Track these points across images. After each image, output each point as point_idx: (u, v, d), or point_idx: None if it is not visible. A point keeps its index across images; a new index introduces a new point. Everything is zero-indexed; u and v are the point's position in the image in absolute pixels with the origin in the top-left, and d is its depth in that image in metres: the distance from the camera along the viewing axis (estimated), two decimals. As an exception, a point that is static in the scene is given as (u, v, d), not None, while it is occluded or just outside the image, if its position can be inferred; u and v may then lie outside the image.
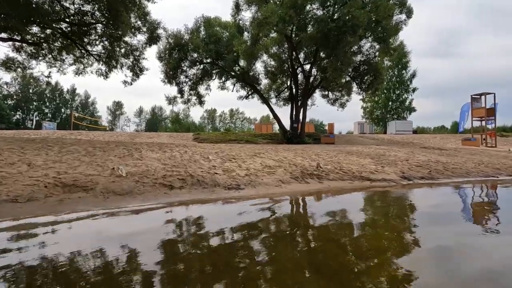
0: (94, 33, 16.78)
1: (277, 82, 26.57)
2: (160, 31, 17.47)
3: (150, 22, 16.60)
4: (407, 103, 54.59)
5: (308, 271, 2.20)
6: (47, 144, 7.43)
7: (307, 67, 23.22)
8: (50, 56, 17.94)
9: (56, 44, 17.37)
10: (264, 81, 26.33)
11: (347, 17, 17.12)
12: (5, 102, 63.79)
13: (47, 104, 73.89)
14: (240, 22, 22.15)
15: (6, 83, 65.74)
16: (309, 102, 25.44)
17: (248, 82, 24.45)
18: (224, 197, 5.04)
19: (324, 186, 6.24)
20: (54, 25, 15.07)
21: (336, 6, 18.96)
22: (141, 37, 17.36)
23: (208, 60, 23.55)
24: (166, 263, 2.28)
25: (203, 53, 22.66)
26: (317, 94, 26.47)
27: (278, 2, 18.56)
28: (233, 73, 23.97)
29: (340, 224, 3.58)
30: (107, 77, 17.97)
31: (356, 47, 21.01)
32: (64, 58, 18.14)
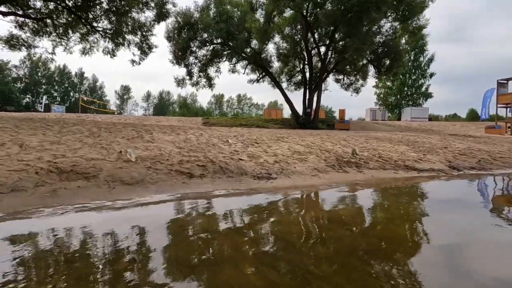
0: (100, 8, 15.69)
1: (289, 65, 25.23)
2: (169, 6, 16.23)
3: (158, -3, 15.36)
4: (423, 88, 52.31)
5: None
6: (46, 123, 6.57)
7: (322, 49, 21.77)
8: (54, 33, 16.99)
9: (60, 20, 16.40)
10: (276, 65, 25.05)
11: (371, -8, 15.55)
12: (15, 85, 63.70)
13: (56, 87, 73.70)
14: (253, -1, 20.73)
15: (15, 66, 65.48)
16: (322, 86, 24.12)
17: (260, 64, 23.17)
18: (255, 188, 4.11)
19: (367, 177, 5.25)
20: (56, -3, 14.02)
21: (359, -20, 17.34)
22: (149, 13, 16.17)
23: (219, 41, 22.23)
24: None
25: (213, 32, 21.32)
26: (330, 78, 25.07)
27: (295, -24, 17.03)
28: (244, 55, 22.69)
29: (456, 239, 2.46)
30: (114, 56, 17.00)
31: (375, 27, 19.40)
32: (69, 36, 17.20)
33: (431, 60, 51.36)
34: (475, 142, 11.56)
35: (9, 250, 1.90)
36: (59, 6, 15.17)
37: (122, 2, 15.23)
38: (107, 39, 16.35)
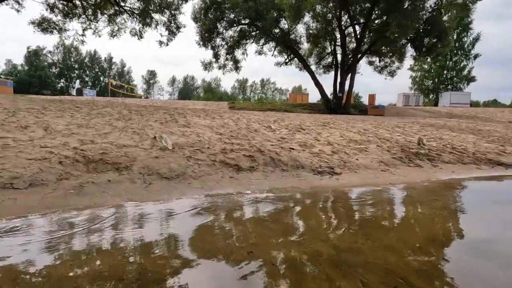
0: (127, -15, 15.14)
1: (319, 47, 23.61)
2: (197, -19, 15.27)
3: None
4: (465, 71, 47.78)
5: None
6: (75, 105, 6.10)
7: (357, 28, 19.91)
8: (84, 16, 16.80)
9: (90, 1, 16.13)
10: (305, 46, 23.57)
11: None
12: (50, 70, 66.59)
13: (87, 72, 76.29)
14: (284, -26, 19.16)
15: (50, 52, 68.26)
16: (356, 69, 22.33)
17: (289, 45, 21.80)
18: (320, 186, 3.28)
19: (450, 176, 4.22)
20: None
21: None
22: (177, -9, 15.37)
23: (246, 21, 21.06)
24: None
25: (241, 12, 20.14)
26: (362, 61, 23.15)
27: None
28: (272, 36, 21.40)
29: None
30: (141, 37, 16.52)
31: (419, 1, 17.23)
32: (98, 18, 16.98)
33: (476, 39, 46.39)
34: (550, 131, 9.88)
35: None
36: (88, -14, 14.80)
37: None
38: (135, 20, 15.84)
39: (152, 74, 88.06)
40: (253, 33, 23.36)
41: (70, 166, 2.91)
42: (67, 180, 2.69)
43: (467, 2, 17.82)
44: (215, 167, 3.46)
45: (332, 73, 22.41)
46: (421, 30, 20.08)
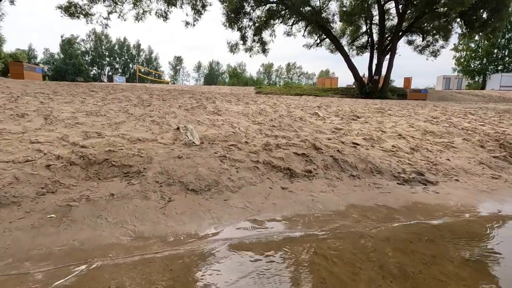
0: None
1: (353, 26, 21.52)
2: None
3: None
4: (520, 50, 42.25)
5: None
6: (91, 89, 5.36)
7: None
8: None
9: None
10: (337, 25, 21.65)
11: None
12: (83, 58, 69.05)
13: (117, 59, 78.33)
14: None
15: (83, 40, 70.61)
16: (396, 49, 20.03)
17: (321, 24, 19.95)
18: (417, 203, 2.18)
19: None
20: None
21: None
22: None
23: (275, -1, 19.51)
24: None
25: (269, -12, 18.65)
26: (400, 41, 20.74)
27: None
28: (302, 15, 19.67)
29: None
30: (166, 18, 15.78)
31: None
32: (123, 1, 16.48)
33: (537, 12, 40.60)
34: None
35: None
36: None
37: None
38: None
39: (178, 60, 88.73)
40: (282, 12, 21.82)
41: (61, 171, 2.06)
42: (53, 194, 1.85)
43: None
44: (259, 172, 2.47)
45: (366, 55, 20.35)
46: (475, 2, 17.41)
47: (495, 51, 45.65)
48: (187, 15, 15.04)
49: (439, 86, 40.97)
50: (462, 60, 47.86)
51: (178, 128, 3.22)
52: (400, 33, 18.33)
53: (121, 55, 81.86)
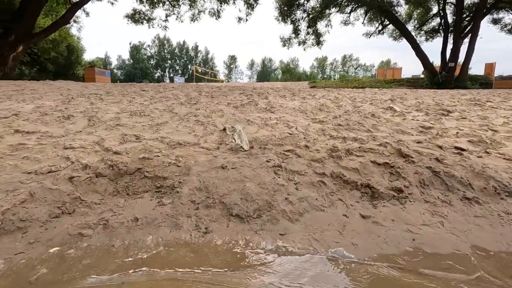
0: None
1: (422, 7, 18.76)
2: None
3: None
4: None
5: None
6: (142, 88, 5.29)
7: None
8: (167, 2, 17.36)
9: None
10: (401, 10, 19.19)
11: None
12: (149, 62, 75.81)
13: (177, 61, 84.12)
14: None
15: (148, 46, 77.58)
16: (478, 31, 16.73)
17: (383, 8, 17.81)
18: None
19: None
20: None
21: None
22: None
23: (331, -15, 18.11)
24: None
25: (325, -24, 17.38)
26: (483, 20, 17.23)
27: None
28: (361, 1, 17.82)
29: None
30: (219, 17, 15.91)
31: None
32: (180, 3, 17.35)
33: None
34: None
35: None
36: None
37: None
38: (213, -1, 15.21)
39: (232, 59, 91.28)
40: (339, 0, 20.29)
41: (84, 185, 1.72)
42: (69, 216, 1.49)
43: None
44: (327, 190, 1.82)
45: (436, 40, 17.59)
46: None
47: None
48: (239, 10, 14.98)
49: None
50: None
51: (224, 129, 2.74)
52: (485, 11, 15.33)
53: (181, 57, 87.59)
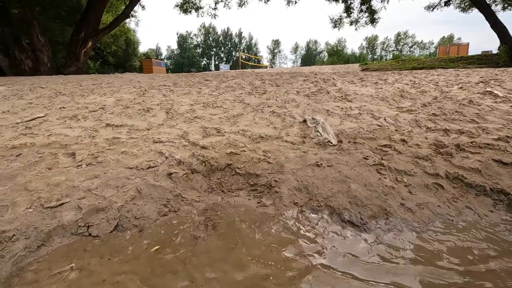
0: None
1: None
2: None
3: None
4: None
5: None
6: (205, 78, 5.34)
7: None
8: None
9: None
10: None
11: None
12: (195, 51, 78.28)
13: (222, 49, 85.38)
14: None
15: (195, 35, 79.92)
16: None
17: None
18: None
19: None
20: None
21: None
22: None
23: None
24: None
25: None
26: None
27: None
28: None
29: None
30: (268, 0, 15.47)
31: None
32: None
33: None
34: None
35: None
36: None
37: None
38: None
39: (276, 44, 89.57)
40: (398, -31, 18.19)
41: (182, 181, 1.71)
42: (175, 213, 1.48)
43: None
44: (447, 195, 1.55)
45: None
46: None
47: None
48: (288, -9, 14.25)
49: None
50: None
51: (304, 121, 2.56)
52: None
53: (225, 44, 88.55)
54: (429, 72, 5.78)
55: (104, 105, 3.26)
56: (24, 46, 9.78)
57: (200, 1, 17.63)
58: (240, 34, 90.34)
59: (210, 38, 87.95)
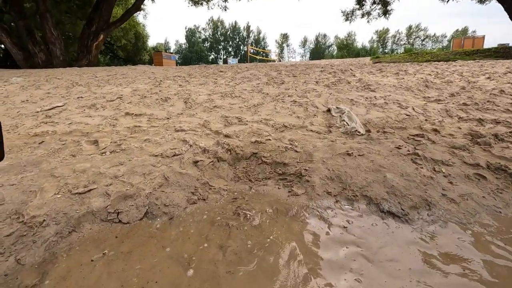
0: None
1: None
2: None
3: None
4: None
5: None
6: (219, 69, 5.27)
7: None
8: None
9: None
10: None
11: None
12: (203, 45, 78.10)
13: (230, 43, 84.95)
14: None
15: (203, 29, 79.66)
16: None
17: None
18: None
19: None
20: None
21: None
22: None
23: None
24: None
25: None
26: None
27: None
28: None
29: None
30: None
31: None
32: None
33: None
34: None
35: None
36: None
37: None
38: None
39: (284, 37, 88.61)
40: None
41: (209, 169, 1.66)
42: (204, 201, 1.43)
43: None
44: (490, 186, 1.46)
45: None
46: None
47: None
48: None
49: None
50: None
51: (328, 110, 2.47)
52: None
53: (233, 38, 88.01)
54: (451, 63, 5.58)
55: (121, 95, 3.23)
56: (37, 39, 9.85)
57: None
58: (248, 28, 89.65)
59: (218, 32, 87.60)
